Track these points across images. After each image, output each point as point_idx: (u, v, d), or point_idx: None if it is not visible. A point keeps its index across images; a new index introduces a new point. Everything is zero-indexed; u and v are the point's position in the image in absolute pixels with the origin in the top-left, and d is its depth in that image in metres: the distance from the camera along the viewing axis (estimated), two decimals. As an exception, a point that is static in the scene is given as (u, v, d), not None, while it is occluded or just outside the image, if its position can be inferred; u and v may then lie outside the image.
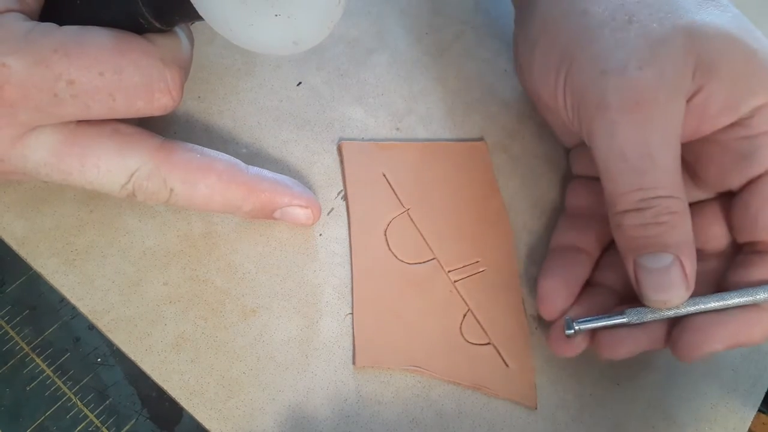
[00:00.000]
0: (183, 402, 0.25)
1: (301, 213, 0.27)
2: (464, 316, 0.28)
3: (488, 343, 0.28)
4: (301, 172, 0.31)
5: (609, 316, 0.26)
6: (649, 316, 0.26)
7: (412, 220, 0.30)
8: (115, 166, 0.24)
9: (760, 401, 0.29)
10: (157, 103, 0.23)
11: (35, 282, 0.29)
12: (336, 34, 0.35)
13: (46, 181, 0.24)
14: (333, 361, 0.27)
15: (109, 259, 0.27)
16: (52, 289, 0.27)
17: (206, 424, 0.25)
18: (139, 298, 0.27)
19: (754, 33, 0.25)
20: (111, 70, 0.21)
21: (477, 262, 0.29)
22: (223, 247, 0.28)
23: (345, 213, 0.30)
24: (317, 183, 0.30)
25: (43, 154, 0.23)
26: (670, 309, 0.25)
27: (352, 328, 0.27)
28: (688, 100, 0.25)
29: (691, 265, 0.25)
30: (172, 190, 0.25)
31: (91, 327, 0.29)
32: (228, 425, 0.25)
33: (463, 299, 0.28)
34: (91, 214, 0.28)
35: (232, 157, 0.27)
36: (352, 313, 0.28)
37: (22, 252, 0.27)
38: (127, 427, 0.27)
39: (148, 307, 0.27)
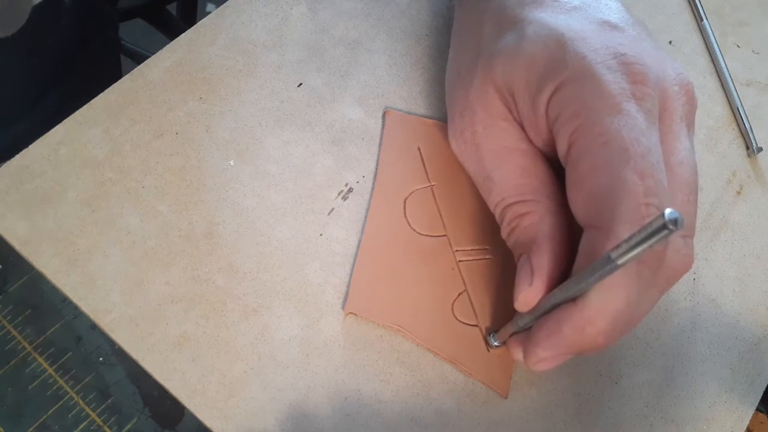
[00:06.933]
0: (184, 401, 0.25)
1: None
2: (459, 295, 0.29)
3: (476, 325, 0.28)
4: (302, 172, 0.31)
5: (510, 323, 0.26)
6: (527, 318, 0.24)
7: (434, 195, 0.31)
8: None
9: (758, 400, 0.29)
10: None
11: (37, 282, 0.29)
12: (336, 35, 0.35)
13: None
14: (333, 360, 0.27)
15: (111, 259, 0.27)
16: (54, 289, 0.27)
17: (207, 423, 0.25)
18: (140, 297, 0.27)
19: (545, 37, 0.25)
20: None
21: (486, 248, 0.30)
22: (225, 247, 0.28)
23: (345, 213, 0.30)
24: (317, 183, 0.31)
25: None
26: (538, 310, 0.24)
27: (350, 276, 0.28)
28: (516, 118, 0.26)
29: (539, 261, 0.24)
30: None
31: (93, 326, 0.29)
32: (229, 424, 0.25)
33: (462, 279, 0.29)
34: (93, 214, 0.28)
35: None
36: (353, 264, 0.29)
37: (25, 252, 0.27)
38: (129, 425, 0.27)
39: (150, 307, 0.27)
